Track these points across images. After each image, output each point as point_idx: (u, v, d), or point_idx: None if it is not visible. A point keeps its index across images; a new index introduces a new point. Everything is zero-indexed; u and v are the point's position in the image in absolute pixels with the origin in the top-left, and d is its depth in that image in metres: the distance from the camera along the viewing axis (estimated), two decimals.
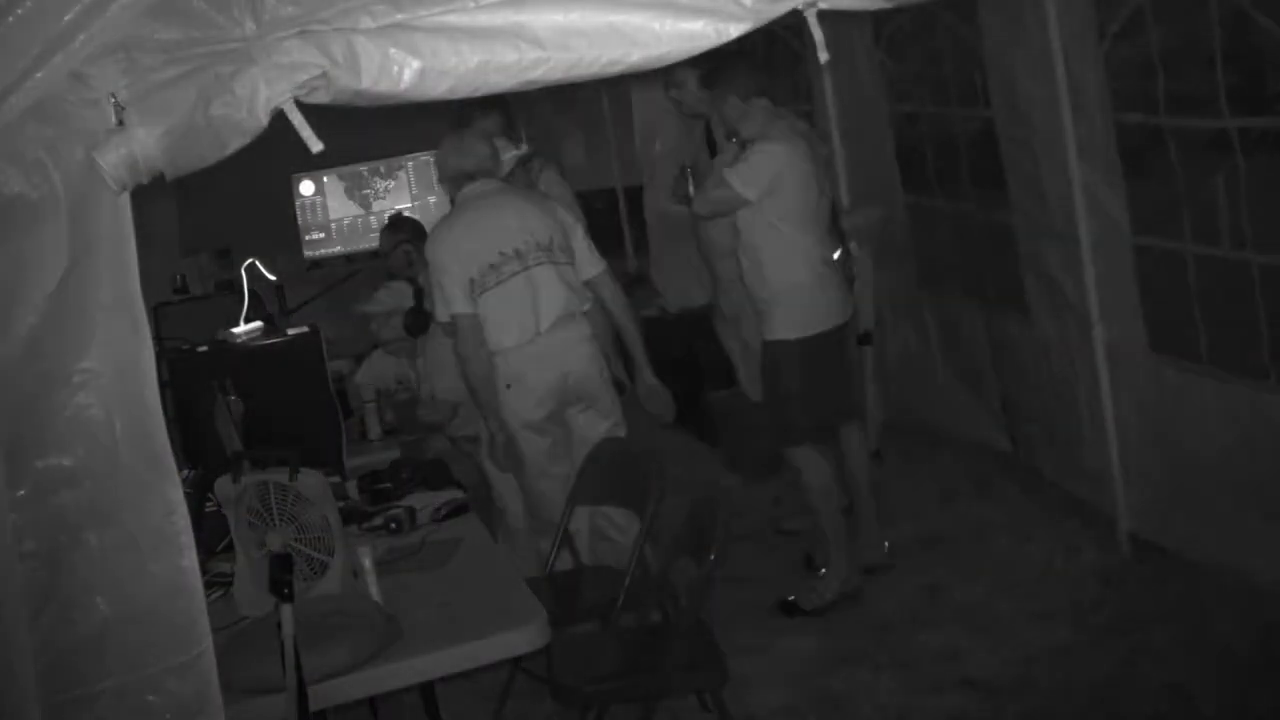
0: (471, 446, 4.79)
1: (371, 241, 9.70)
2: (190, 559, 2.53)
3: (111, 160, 2.30)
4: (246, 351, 4.78)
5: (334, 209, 9.85)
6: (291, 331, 5.03)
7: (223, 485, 3.29)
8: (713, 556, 3.40)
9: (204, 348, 4.80)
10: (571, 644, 3.73)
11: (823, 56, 2.60)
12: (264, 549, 3.21)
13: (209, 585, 2.75)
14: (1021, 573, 4.70)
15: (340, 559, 3.26)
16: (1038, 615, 4.37)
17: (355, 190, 9.89)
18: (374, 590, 3.24)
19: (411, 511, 3.82)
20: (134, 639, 2.52)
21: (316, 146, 2.37)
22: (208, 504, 3.49)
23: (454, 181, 4.54)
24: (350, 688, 2.91)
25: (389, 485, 4.05)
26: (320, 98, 2.37)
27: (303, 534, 3.26)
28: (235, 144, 2.35)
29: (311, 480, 3.27)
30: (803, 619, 4.68)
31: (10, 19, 2.29)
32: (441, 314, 4.38)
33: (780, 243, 4.60)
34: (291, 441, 4.03)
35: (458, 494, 3.99)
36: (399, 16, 2.41)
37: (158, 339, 3.30)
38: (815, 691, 4.16)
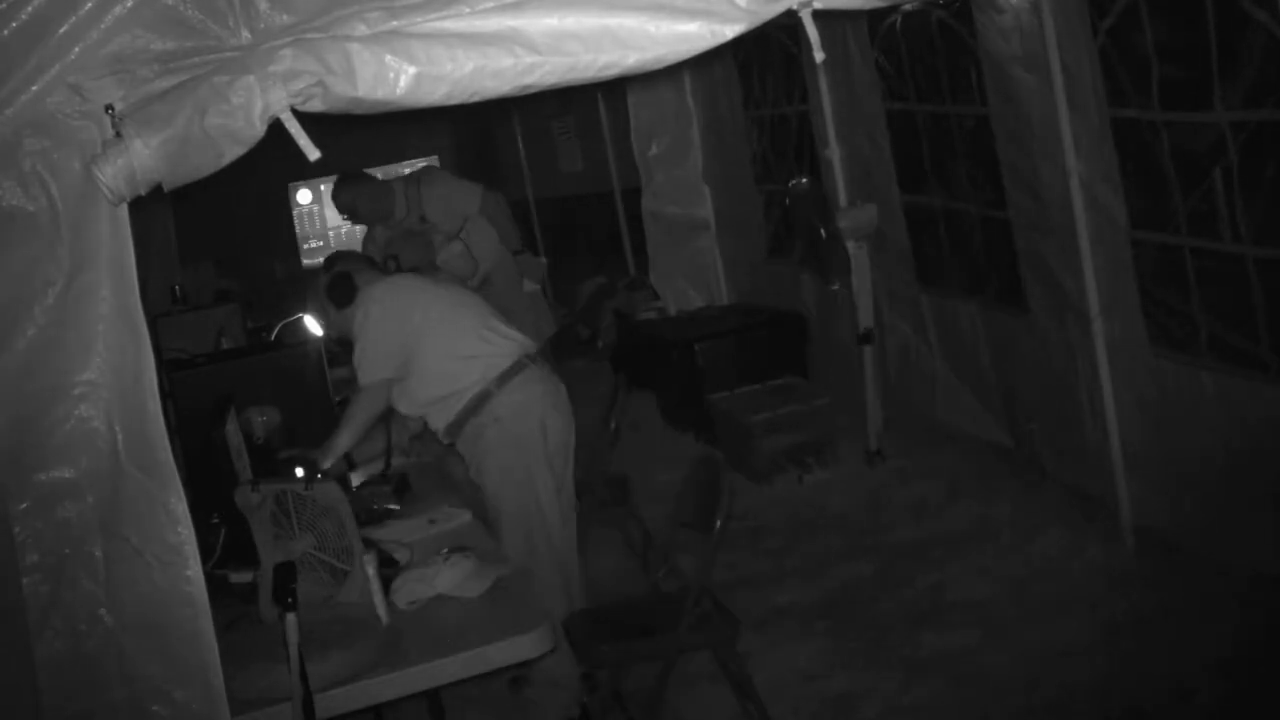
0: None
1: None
2: (195, 570, 2.53)
3: (109, 172, 2.30)
4: (249, 362, 4.78)
5: (331, 217, 9.84)
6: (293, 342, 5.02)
7: (242, 494, 3.30)
8: (718, 523, 3.59)
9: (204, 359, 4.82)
10: (591, 612, 4.04)
11: (818, 56, 2.61)
12: (284, 558, 3.21)
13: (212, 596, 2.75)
14: (1025, 569, 4.70)
15: (359, 567, 3.24)
16: (1042, 612, 4.37)
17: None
18: (378, 599, 3.23)
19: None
20: (139, 650, 2.52)
21: (314, 154, 2.37)
22: (214, 518, 3.48)
23: None
24: (356, 696, 2.90)
25: (386, 506, 4.04)
26: (316, 106, 2.37)
27: (323, 543, 3.25)
28: (232, 153, 2.36)
29: (327, 489, 3.27)
30: (806, 620, 4.68)
31: (5, 32, 2.29)
32: None
33: None
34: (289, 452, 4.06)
35: (462, 515, 3.93)
36: (394, 23, 2.41)
37: (157, 350, 3.29)
38: (822, 691, 4.16)
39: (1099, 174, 4.45)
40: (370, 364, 4.06)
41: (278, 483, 3.35)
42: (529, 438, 4.05)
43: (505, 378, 4.07)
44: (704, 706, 4.08)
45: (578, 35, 2.44)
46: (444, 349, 4.09)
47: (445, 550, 3.42)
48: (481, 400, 4.05)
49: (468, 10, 2.42)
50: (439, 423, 4.13)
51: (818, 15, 2.57)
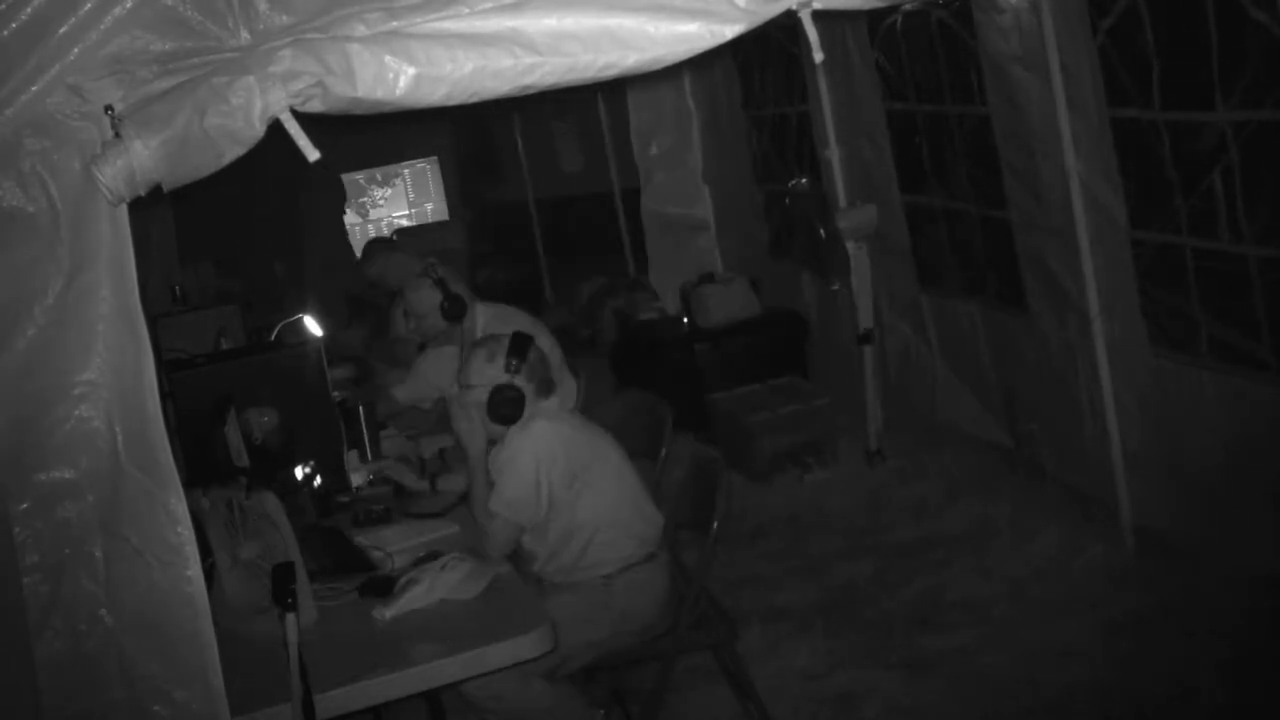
0: None
1: None
2: (195, 570, 2.53)
3: (109, 173, 2.30)
4: (249, 362, 4.78)
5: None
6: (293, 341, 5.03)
7: (193, 498, 3.30)
8: (715, 524, 3.57)
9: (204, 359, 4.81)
10: None
11: (817, 56, 2.61)
12: (236, 563, 3.21)
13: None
14: (1025, 569, 4.70)
15: (304, 585, 3.18)
16: (1042, 612, 4.37)
17: (353, 199, 9.89)
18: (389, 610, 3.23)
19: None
20: (139, 650, 2.52)
21: (313, 155, 2.37)
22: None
23: None
24: (356, 696, 2.90)
25: (384, 507, 4.04)
26: (316, 106, 2.37)
27: (270, 552, 3.23)
28: (232, 154, 2.36)
29: (263, 499, 3.25)
30: (806, 620, 4.68)
31: (5, 32, 2.29)
32: None
33: None
34: (288, 453, 4.06)
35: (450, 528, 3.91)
36: (394, 24, 2.41)
37: (157, 350, 3.30)
38: (822, 691, 4.16)
39: (1099, 174, 4.45)
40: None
41: (223, 490, 3.33)
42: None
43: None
44: (704, 706, 4.08)
45: (577, 35, 2.44)
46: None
47: (444, 558, 3.40)
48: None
49: (467, 11, 2.42)
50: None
51: (817, 15, 2.57)
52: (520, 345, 3.68)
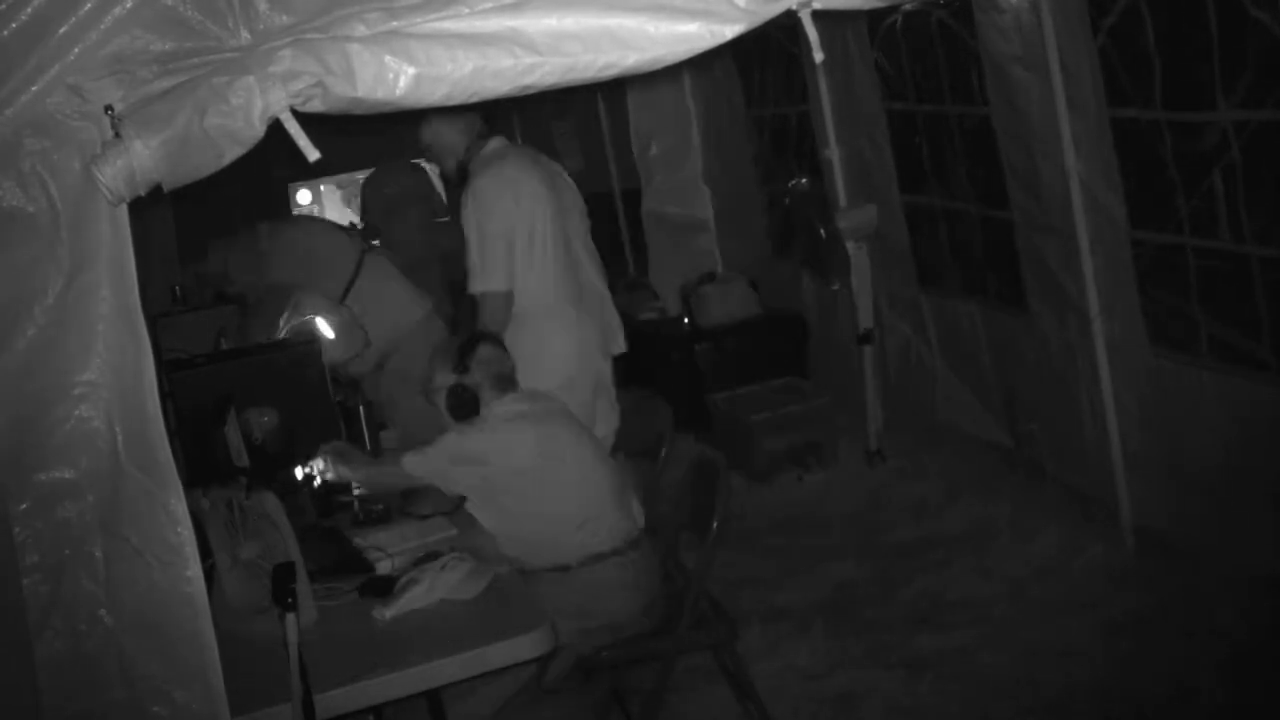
0: None
1: None
2: (195, 570, 2.53)
3: (109, 173, 2.30)
4: (249, 362, 4.77)
5: (331, 218, 9.83)
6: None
7: (193, 498, 3.29)
8: (715, 524, 3.57)
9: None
10: None
11: (817, 56, 2.61)
12: (236, 563, 3.21)
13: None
14: (1025, 569, 4.70)
15: (304, 585, 3.17)
16: (1042, 612, 4.37)
17: (353, 198, 9.88)
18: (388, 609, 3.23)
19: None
20: (139, 650, 2.52)
21: (313, 155, 2.37)
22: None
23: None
24: (355, 696, 2.90)
25: (384, 507, 4.04)
26: (316, 106, 2.37)
27: (270, 552, 3.22)
28: (232, 154, 2.36)
29: (263, 499, 3.25)
30: (805, 620, 4.68)
31: (5, 32, 2.29)
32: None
33: None
34: (288, 453, 4.05)
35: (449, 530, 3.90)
36: (394, 24, 2.41)
37: (157, 350, 3.30)
38: (822, 691, 4.16)
39: (1099, 174, 4.45)
40: None
41: (223, 490, 3.34)
42: None
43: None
44: (704, 706, 4.08)
45: (577, 35, 2.44)
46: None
47: (444, 558, 3.40)
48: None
49: (467, 11, 2.42)
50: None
51: (817, 15, 2.57)
52: (468, 345, 3.83)
